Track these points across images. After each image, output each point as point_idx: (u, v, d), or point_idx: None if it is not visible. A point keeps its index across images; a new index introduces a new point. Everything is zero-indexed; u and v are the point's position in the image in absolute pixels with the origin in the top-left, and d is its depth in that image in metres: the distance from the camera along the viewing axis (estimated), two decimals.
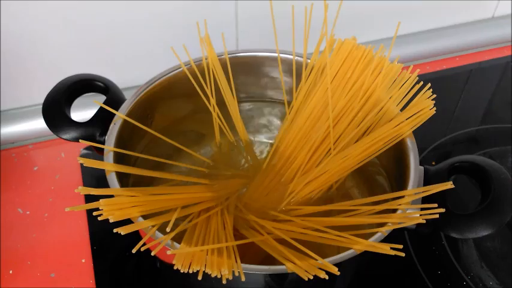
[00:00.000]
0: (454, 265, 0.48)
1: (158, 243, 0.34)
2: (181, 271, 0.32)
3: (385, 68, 0.43)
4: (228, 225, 0.39)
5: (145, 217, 0.36)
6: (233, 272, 0.33)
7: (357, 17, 0.66)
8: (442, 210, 0.35)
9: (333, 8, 0.45)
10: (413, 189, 0.39)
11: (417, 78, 0.43)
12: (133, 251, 0.32)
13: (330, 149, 0.44)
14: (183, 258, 0.33)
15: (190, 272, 0.32)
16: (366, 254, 0.35)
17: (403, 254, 0.33)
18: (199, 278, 0.32)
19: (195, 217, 0.39)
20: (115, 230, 0.33)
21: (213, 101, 0.48)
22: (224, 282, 0.32)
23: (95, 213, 0.33)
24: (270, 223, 0.40)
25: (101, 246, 0.49)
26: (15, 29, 0.53)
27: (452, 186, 0.37)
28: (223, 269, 0.32)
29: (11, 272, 0.47)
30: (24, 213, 0.52)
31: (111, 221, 0.33)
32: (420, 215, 0.36)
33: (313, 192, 0.44)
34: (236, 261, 0.33)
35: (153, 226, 0.35)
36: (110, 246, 0.49)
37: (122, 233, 0.33)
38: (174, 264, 0.32)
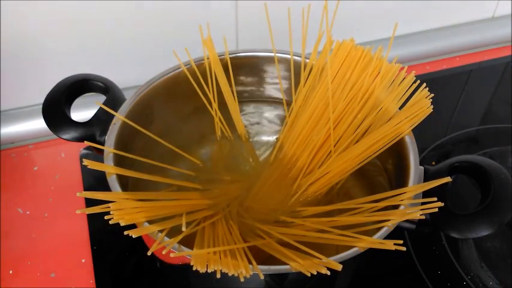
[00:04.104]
0: (454, 265, 0.48)
1: (164, 246, 0.34)
2: (200, 271, 0.32)
3: (383, 69, 0.43)
4: (235, 231, 0.39)
5: (149, 221, 0.36)
6: (235, 272, 0.33)
7: (356, 17, 0.66)
8: (441, 204, 0.36)
9: (332, 8, 0.45)
10: (414, 186, 0.39)
11: (414, 78, 0.43)
12: (149, 253, 0.34)
13: (330, 151, 0.44)
14: (200, 259, 0.33)
15: (209, 271, 0.33)
16: (366, 253, 0.35)
17: (404, 248, 0.33)
18: (218, 276, 0.32)
19: (201, 222, 0.40)
20: (126, 232, 0.34)
21: (215, 105, 0.48)
22: (242, 280, 0.32)
23: (106, 217, 0.34)
24: (273, 228, 0.40)
25: (101, 246, 0.49)
26: (15, 29, 0.53)
27: (450, 180, 0.37)
28: (240, 269, 0.33)
29: (11, 272, 0.47)
30: (24, 213, 0.52)
31: (121, 224, 0.34)
32: (421, 209, 0.36)
33: (315, 193, 0.44)
34: (251, 263, 0.34)
35: (160, 231, 0.35)
36: (110, 246, 0.49)
37: (134, 236, 0.34)
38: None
